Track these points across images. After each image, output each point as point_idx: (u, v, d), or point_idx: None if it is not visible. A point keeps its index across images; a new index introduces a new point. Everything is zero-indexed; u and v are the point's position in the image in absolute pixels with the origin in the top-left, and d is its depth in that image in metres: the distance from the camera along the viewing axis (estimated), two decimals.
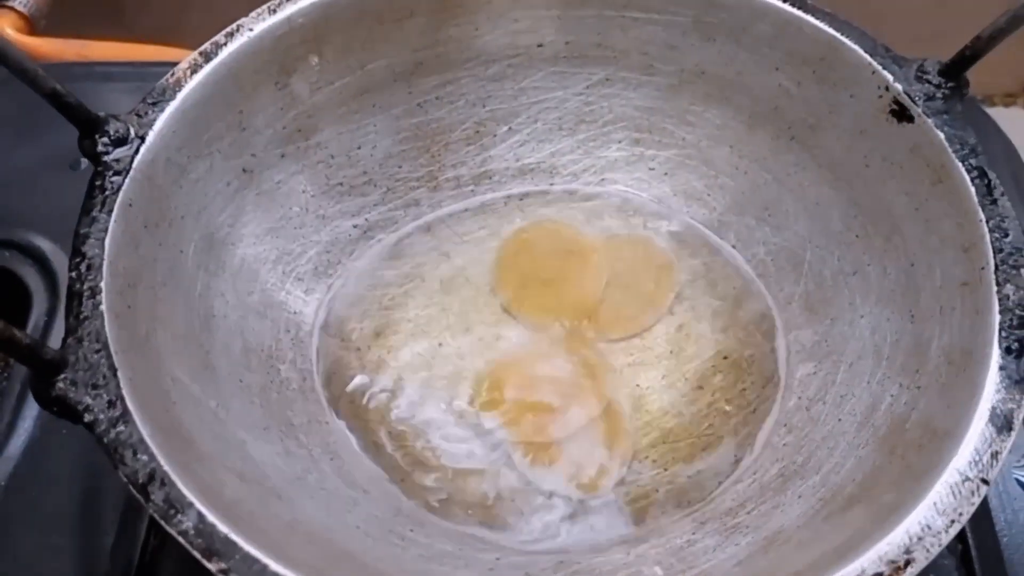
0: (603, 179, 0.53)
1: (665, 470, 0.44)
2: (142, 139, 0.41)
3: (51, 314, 0.51)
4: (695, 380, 0.47)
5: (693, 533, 0.40)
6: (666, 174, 0.53)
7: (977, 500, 0.33)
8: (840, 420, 0.42)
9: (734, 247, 0.51)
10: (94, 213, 0.39)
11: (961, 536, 0.44)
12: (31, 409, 0.47)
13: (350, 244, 0.50)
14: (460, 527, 0.42)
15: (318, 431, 0.44)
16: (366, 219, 0.51)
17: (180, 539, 0.32)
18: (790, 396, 0.45)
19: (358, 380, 0.47)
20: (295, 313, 0.47)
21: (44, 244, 0.54)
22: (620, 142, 0.53)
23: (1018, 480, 0.46)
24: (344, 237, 0.50)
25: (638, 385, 0.47)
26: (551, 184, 0.53)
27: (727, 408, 0.46)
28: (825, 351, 0.45)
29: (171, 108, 0.42)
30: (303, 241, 0.49)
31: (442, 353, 0.48)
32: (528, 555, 0.40)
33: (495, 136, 0.53)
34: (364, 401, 0.46)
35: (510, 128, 0.53)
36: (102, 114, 0.41)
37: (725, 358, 0.47)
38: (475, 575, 0.38)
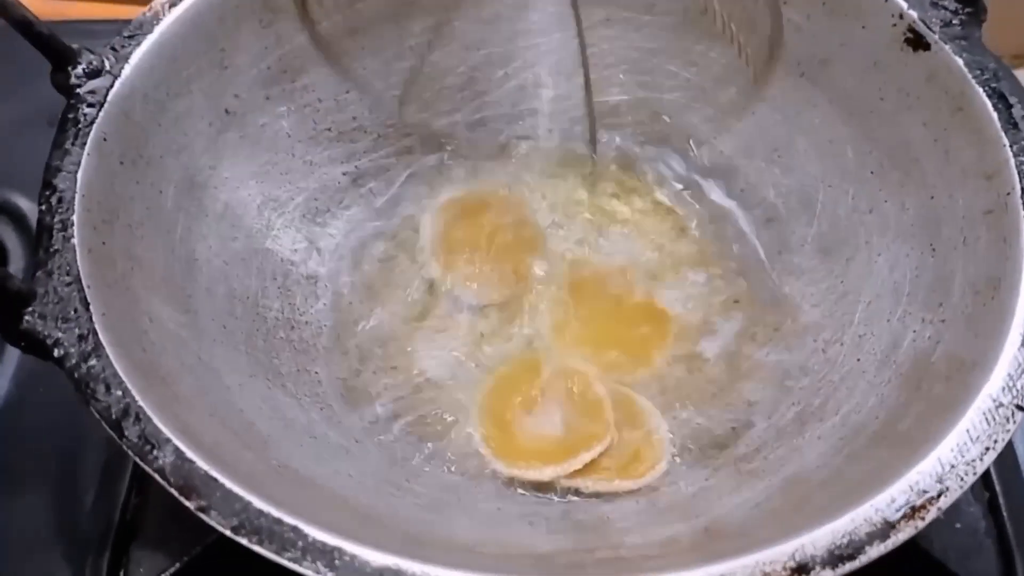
0: (604, 124, 0.51)
1: (675, 419, 0.42)
2: (118, 73, 0.39)
3: (28, 272, 0.49)
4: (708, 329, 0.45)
5: (706, 480, 0.38)
6: (670, 118, 0.51)
7: (1012, 427, 0.31)
8: (859, 360, 0.40)
9: (743, 191, 0.48)
10: (66, 146, 0.37)
11: (988, 484, 0.42)
12: (7, 366, 0.45)
13: (340, 192, 0.48)
14: (458, 477, 0.39)
15: (307, 380, 0.41)
16: (356, 167, 0.49)
17: (156, 476, 0.29)
18: (805, 339, 0.43)
19: (351, 333, 0.45)
20: (283, 261, 0.45)
21: (22, 202, 0.52)
22: (622, 85, 0.51)
23: None
24: (333, 185, 0.48)
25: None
26: (550, 131, 0.51)
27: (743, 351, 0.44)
28: (841, 292, 0.43)
29: (148, 42, 0.40)
30: (290, 187, 0.46)
31: (435, 301, 0.46)
32: (533, 504, 0.38)
33: (491, 81, 0.51)
34: (356, 356, 0.44)
35: (506, 73, 0.51)
36: (75, 46, 0.39)
37: (736, 302, 0.45)
38: (476, 523, 0.36)
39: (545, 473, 0.39)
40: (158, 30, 0.40)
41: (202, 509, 0.29)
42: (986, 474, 0.42)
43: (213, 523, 0.29)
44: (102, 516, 0.40)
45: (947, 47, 0.40)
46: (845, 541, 0.28)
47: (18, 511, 0.41)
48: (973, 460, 0.30)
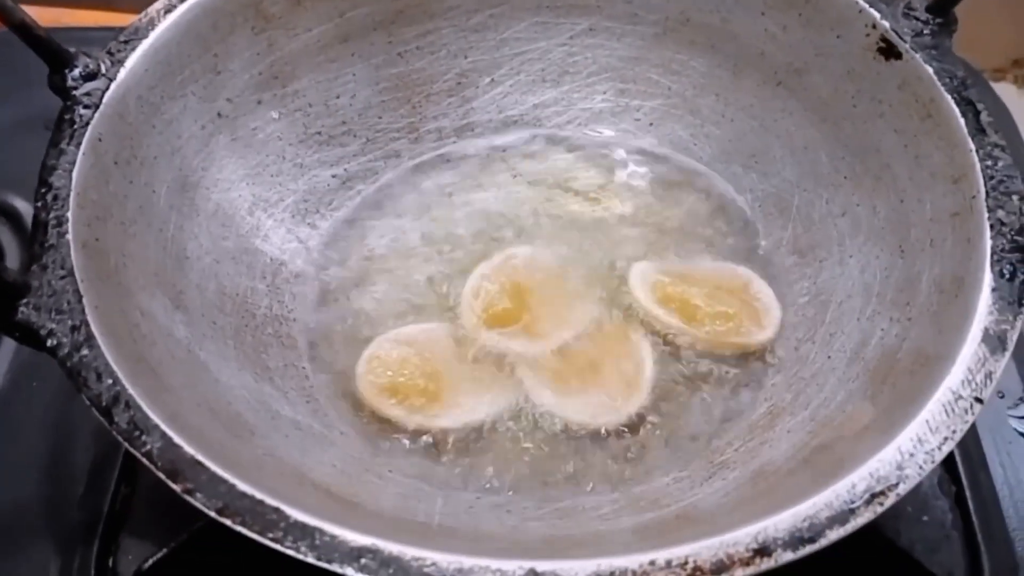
0: (587, 131, 0.53)
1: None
2: (113, 76, 0.40)
3: (23, 269, 0.50)
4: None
5: (680, 471, 0.39)
6: (652, 124, 0.52)
7: (970, 419, 0.32)
8: (830, 357, 0.41)
9: (721, 194, 0.50)
10: (62, 145, 0.38)
11: (955, 479, 0.43)
12: (1, 361, 0.46)
13: (329, 194, 0.49)
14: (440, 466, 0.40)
15: (294, 375, 0.42)
16: (345, 169, 0.50)
17: (144, 460, 0.30)
18: (779, 338, 0.44)
19: (338, 329, 0.46)
20: (272, 260, 0.46)
21: (18, 203, 0.53)
22: (604, 93, 0.52)
23: (1016, 430, 0.45)
24: (322, 187, 0.49)
25: None
26: (534, 136, 0.52)
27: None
28: (814, 292, 0.44)
29: (144, 46, 0.41)
30: (280, 189, 0.48)
31: (423, 302, 0.47)
32: (509, 495, 0.39)
33: (477, 87, 0.52)
34: (344, 351, 0.45)
35: (492, 80, 0.52)
36: (72, 49, 0.40)
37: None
38: (454, 511, 0.37)
39: None
40: (153, 35, 0.42)
41: (188, 492, 0.30)
42: (953, 468, 0.43)
43: (198, 505, 0.30)
44: (92, 506, 0.41)
45: (918, 56, 0.41)
46: (806, 525, 0.29)
47: (10, 500, 0.42)
48: (932, 449, 0.31)
